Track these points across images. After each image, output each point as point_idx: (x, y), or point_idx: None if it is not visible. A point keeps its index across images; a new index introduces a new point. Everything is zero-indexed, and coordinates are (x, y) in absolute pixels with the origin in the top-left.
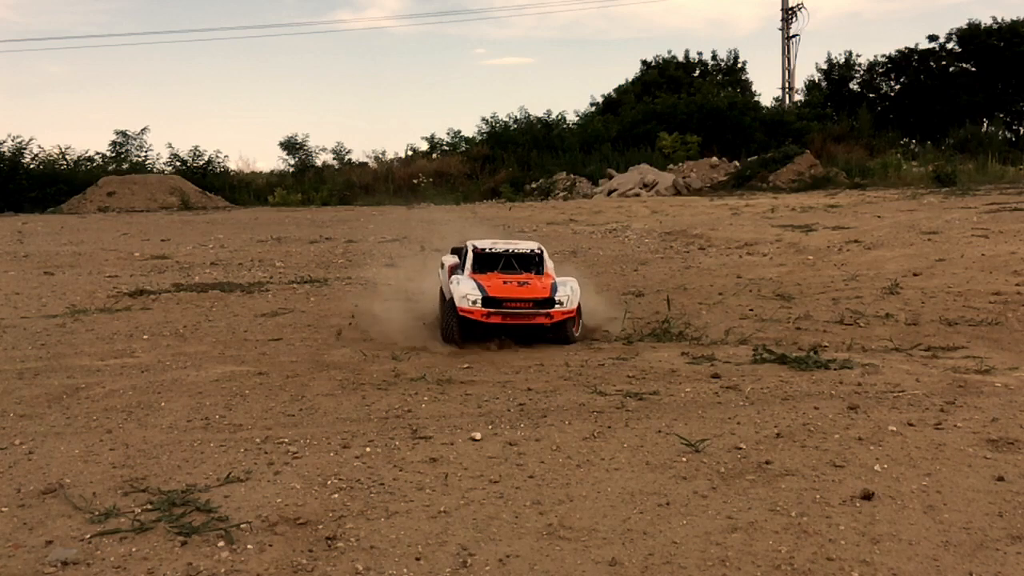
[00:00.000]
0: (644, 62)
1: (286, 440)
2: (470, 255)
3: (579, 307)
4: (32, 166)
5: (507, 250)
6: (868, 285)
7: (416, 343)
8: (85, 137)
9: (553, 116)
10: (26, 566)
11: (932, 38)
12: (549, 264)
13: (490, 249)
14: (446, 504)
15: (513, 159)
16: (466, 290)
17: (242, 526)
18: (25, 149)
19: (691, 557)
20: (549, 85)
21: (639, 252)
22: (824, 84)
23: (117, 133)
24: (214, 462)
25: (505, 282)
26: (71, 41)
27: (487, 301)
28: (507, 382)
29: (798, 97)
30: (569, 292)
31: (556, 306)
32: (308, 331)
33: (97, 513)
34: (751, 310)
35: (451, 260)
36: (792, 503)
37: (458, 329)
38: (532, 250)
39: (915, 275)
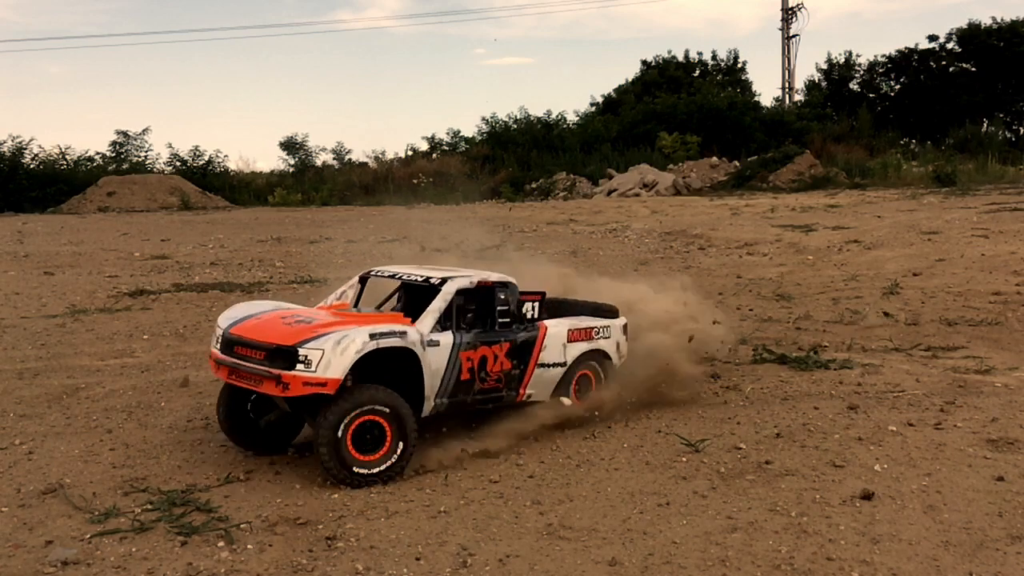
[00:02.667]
0: (644, 62)
1: None
2: (353, 282)
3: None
4: (32, 166)
5: (396, 275)
6: (868, 285)
7: None
8: (85, 137)
9: (553, 116)
10: (26, 566)
11: (932, 38)
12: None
13: (376, 274)
14: (446, 504)
15: (513, 159)
16: (221, 320)
17: (242, 526)
18: (25, 149)
19: (691, 557)
20: (549, 85)
21: (639, 252)
22: (824, 84)
23: (118, 133)
24: (214, 462)
25: (286, 319)
26: (71, 41)
27: (226, 342)
28: None
29: (798, 97)
30: (336, 344)
31: (297, 366)
32: None
33: (97, 513)
34: (751, 310)
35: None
36: (792, 503)
37: (224, 399)
38: (429, 279)
39: (915, 275)
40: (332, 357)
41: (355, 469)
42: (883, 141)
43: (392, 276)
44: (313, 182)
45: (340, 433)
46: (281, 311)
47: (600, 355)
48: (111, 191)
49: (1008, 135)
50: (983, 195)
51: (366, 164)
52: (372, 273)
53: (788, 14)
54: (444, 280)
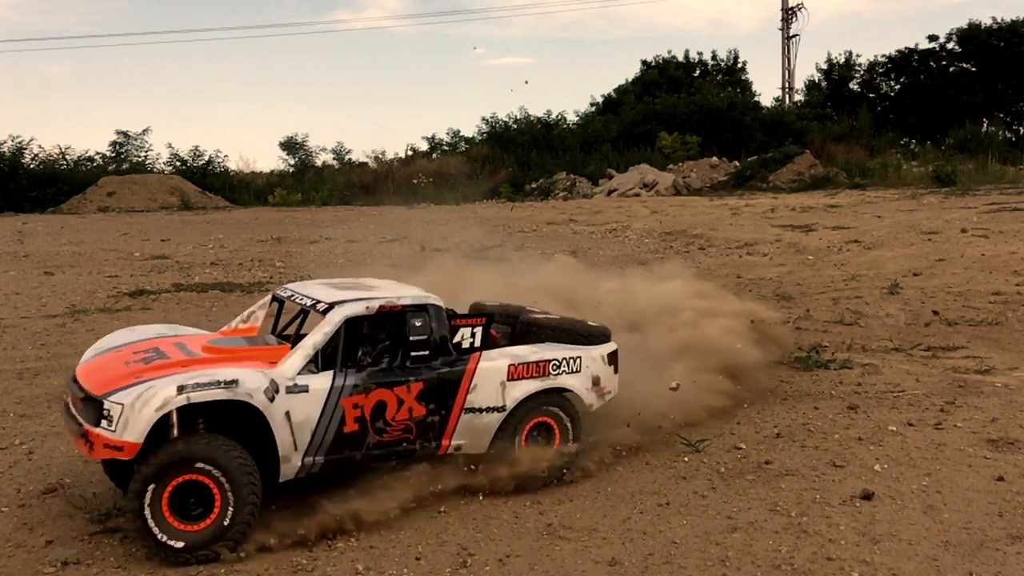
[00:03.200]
0: (644, 62)
1: None
2: (265, 301)
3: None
4: (32, 166)
5: (292, 296)
6: (868, 285)
7: None
8: (85, 137)
9: (553, 116)
10: (26, 566)
11: (932, 38)
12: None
13: (281, 293)
14: (446, 504)
15: (513, 159)
16: (87, 352)
17: None
18: (25, 149)
19: (691, 557)
20: (549, 85)
21: (639, 252)
22: (824, 84)
23: (118, 133)
24: None
25: (136, 355)
26: (71, 41)
27: (74, 379)
28: None
29: (798, 97)
30: (136, 399)
31: (102, 423)
32: None
33: (97, 513)
34: None
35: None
36: (792, 503)
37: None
38: (317, 304)
39: (915, 275)
40: (129, 416)
41: (170, 542)
42: (883, 141)
43: (290, 297)
44: (313, 182)
45: (149, 497)
46: (146, 343)
47: (563, 396)
48: (111, 191)
49: (1008, 135)
50: (983, 195)
51: (366, 164)
52: (279, 292)
53: (788, 14)
54: (331, 306)
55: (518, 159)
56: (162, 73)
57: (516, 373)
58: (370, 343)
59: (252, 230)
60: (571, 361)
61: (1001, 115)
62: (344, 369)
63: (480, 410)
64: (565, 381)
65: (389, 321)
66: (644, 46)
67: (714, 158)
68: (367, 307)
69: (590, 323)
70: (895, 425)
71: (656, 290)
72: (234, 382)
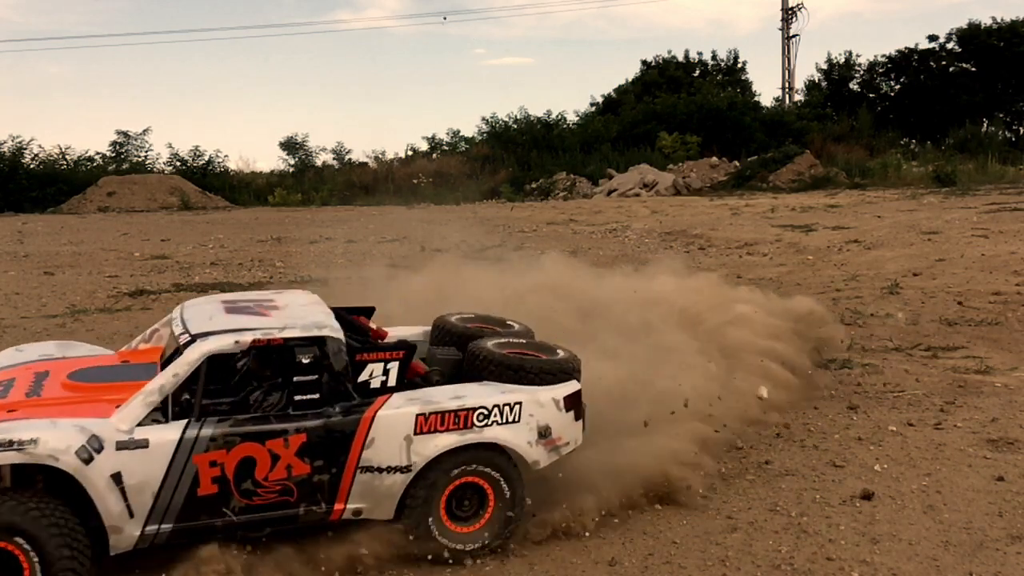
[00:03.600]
0: (644, 62)
1: None
2: (170, 318)
3: None
4: (32, 166)
5: (172, 318)
6: (868, 285)
7: None
8: (85, 137)
9: (553, 116)
10: None
11: (932, 38)
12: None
13: (175, 315)
14: None
15: (513, 159)
16: None
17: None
18: (25, 149)
19: (691, 557)
20: (549, 85)
21: (639, 252)
22: (824, 84)
23: (118, 133)
24: None
25: None
26: (71, 41)
27: None
28: None
29: (798, 97)
30: None
31: None
32: None
33: None
34: None
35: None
36: (792, 503)
37: None
38: (183, 334)
39: (915, 275)
40: None
41: None
42: (883, 141)
43: (174, 319)
44: (313, 182)
45: None
46: (11, 371)
47: (497, 453)
48: (111, 191)
49: (1008, 135)
50: (983, 195)
51: (366, 164)
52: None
53: (788, 14)
54: (193, 339)
55: (518, 159)
56: (162, 73)
57: (427, 425)
58: (247, 384)
59: (252, 230)
60: (506, 408)
61: (1001, 115)
62: (202, 418)
63: (379, 469)
64: (496, 434)
65: (270, 358)
66: (644, 46)
67: (714, 158)
68: (236, 342)
69: (559, 351)
70: (895, 425)
71: (689, 285)
72: (32, 441)
